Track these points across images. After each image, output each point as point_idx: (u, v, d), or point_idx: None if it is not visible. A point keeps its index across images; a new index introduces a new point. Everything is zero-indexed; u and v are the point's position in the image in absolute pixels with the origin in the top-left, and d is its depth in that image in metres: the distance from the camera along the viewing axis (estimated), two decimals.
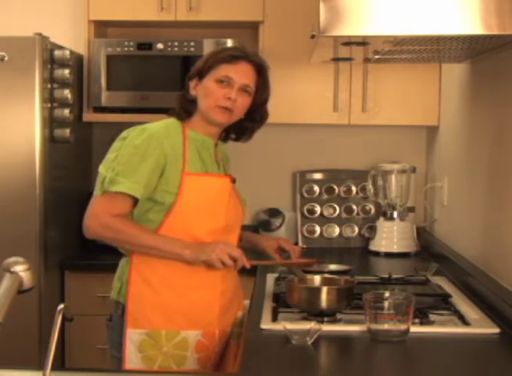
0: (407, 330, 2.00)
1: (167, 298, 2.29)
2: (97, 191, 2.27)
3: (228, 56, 2.34)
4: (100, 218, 2.24)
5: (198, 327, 2.30)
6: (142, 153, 2.24)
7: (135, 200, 2.26)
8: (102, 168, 2.28)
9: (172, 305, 2.29)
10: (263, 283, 2.68)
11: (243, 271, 2.46)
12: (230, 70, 2.32)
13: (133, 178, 2.23)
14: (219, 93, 2.31)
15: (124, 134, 2.31)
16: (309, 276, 2.39)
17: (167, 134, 2.31)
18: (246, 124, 2.43)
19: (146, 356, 2.26)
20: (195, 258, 2.25)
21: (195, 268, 2.29)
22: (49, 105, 3.29)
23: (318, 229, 3.79)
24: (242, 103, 2.34)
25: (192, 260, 2.26)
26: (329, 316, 2.19)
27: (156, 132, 2.29)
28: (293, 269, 2.45)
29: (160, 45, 3.52)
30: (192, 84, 2.37)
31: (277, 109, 3.43)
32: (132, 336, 2.27)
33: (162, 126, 2.33)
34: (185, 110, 2.38)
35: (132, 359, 2.27)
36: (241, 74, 2.33)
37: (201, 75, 2.35)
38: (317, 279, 2.37)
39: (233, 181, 2.42)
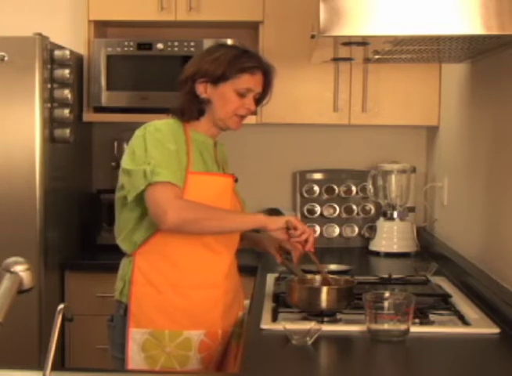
0: (407, 330, 2.00)
1: (170, 298, 2.29)
2: (140, 186, 2.19)
3: (249, 67, 2.32)
4: (173, 203, 2.18)
5: (201, 326, 2.30)
6: (168, 149, 2.23)
7: None
8: (131, 165, 2.22)
9: (176, 306, 2.29)
10: (263, 283, 2.68)
11: (243, 271, 2.47)
12: (251, 81, 2.33)
13: (171, 170, 2.20)
14: (239, 103, 2.33)
15: (140, 132, 2.28)
16: (309, 276, 2.39)
17: (174, 132, 2.30)
18: None
19: (149, 355, 2.26)
20: (273, 221, 2.25)
21: (198, 267, 2.30)
22: (49, 105, 3.28)
23: (318, 229, 3.79)
24: (253, 109, 2.38)
25: (271, 222, 2.24)
26: (329, 316, 2.19)
27: (168, 130, 2.29)
28: (294, 269, 2.45)
29: (160, 45, 3.52)
30: (200, 86, 2.33)
31: (277, 109, 3.45)
32: (135, 335, 2.27)
33: (168, 125, 2.33)
34: (197, 110, 2.35)
35: (135, 358, 2.26)
36: (258, 83, 2.36)
37: (215, 80, 2.31)
38: (317, 279, 2.37)
39: (235, 180, 2.42)
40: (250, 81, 2.33)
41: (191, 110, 2.35)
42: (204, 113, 2.36)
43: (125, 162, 2.26)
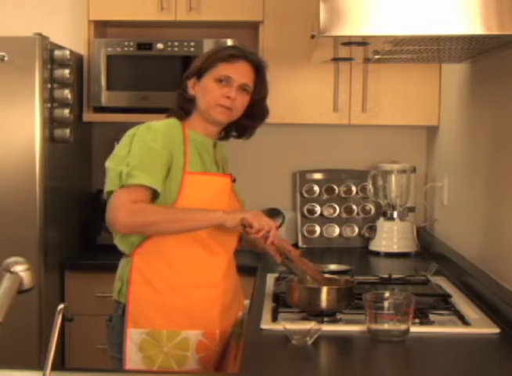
0: (407, 330, 2.00)
1: (168, 298, 2.29)
2: (113, 187, 2.23)
3: (226, 56, 2.35)
4: (126, 207, 2.19)
5: (199, 327, 2.30)
6: (154, 149, 2.24)
7: (153, 195, 2.24)
8: (111, 164, 2.26)
9: (174, 306, 2.29)
10: (263, 283, 2.68)
11: (243, 271, 2.46)
12: (229, 69, 2.33)
13: (150, 172, 2.21)
14: (219, 92, 2.33)
15: (131, 131, 2.31)
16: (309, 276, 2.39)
17: (170, 132, 2.31)
18: (246, 123, 2.44)
19: (146, 355, 2.26)
20: (231, 218, 2.22)
21: (196, 267, 2.30)
22: (49, 105, 3.28)
23: (318, 229, 3.79)
24: (241, 102, 2.36)
25: (229, 219, 2.22)
26: (329, 316, 2.19)
27: (162, 130, 2.30)
28: (294, 269, 2.44)
29: (160, 45, 3.52)
30: (190, 83, 2.37)
31: (277, 109, 3.43)
32: (133, 335, 2.27)
33: (165, 124, 2.34)
34: (184, 109, 2.39)
35: (133, 358, 2.26)
36: (240, 73, 2.34)
37: (199, 74, 2.36)
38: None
39: (233, 180, 2.43)
40: (227, 69, 2.33)
41: (178, 107, 2.39)
42: (191, 111, 2.38)
43: (108, 160, 2.30)
